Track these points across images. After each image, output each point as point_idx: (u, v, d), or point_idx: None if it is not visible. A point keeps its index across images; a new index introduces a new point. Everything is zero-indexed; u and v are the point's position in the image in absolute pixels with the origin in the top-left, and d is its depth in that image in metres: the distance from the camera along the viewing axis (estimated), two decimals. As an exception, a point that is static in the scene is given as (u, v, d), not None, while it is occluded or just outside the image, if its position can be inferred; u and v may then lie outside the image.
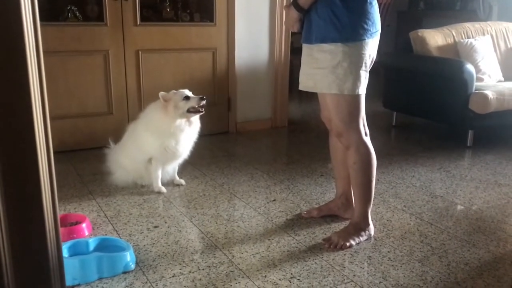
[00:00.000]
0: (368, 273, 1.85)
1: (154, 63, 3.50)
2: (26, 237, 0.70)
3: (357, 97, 1.92)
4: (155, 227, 2.22)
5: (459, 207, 2.51)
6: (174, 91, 2.58)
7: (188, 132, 2.61)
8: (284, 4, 3.84)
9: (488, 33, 4.19)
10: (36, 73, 0.66)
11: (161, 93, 2.55)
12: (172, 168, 2.76)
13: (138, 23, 3.37)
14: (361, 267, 1.89)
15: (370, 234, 2.11)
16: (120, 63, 3.39)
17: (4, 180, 0.65)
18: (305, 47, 1.99)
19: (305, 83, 2.01)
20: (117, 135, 2.77)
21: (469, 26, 4.19)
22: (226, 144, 3.68)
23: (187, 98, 2.53)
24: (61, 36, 3.15)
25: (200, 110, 2.55)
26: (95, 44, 3.28)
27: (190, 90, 2.61)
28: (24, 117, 0.65)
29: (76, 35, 3.21)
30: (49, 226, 0.73)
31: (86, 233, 2.12)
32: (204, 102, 2.54)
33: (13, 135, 0.65)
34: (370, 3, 1.85)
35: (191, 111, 2.54)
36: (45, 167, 0.71)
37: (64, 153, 3.18)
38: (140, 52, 3.43)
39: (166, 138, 2.56)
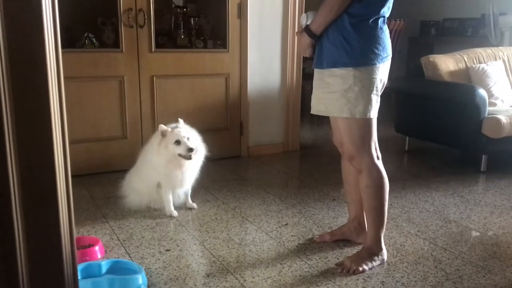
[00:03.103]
0: (381, 298, 1.83)
1: (168, 89, 3.56)
2: (43, 259, 0.71)
3: (368, 120, 1.94)
4: (167, 250, 2.23)
5: (474, 233, 2.48)
6: (172, 126, 2.54)
7: (184, 168, 2.58)
8: (296, 30, 3.90)
9: (500, 58, 4.20)
10: (57, 98, 0.69)
11: (161, 127, 2.52)
12: (184, 192, 2.78)
13: (153, 49, 3.45)
14: (374, 293, 1.87)
15: (383, 259, 2.09)
16: (135, 88, 3.45)
17: (22, 202, 0.67)
18: (317, 72, 2.02)
19: (317, 107, 2.03)
20: (131, 159, 2.81)
21: (480, 51, 4.20)
22: (238, 168, 3.70)
23: (178, 142, 2.50)
24: (78, 62, 3.23)
25: (187, 158, 2.50)
26: (110, 70, 3.35)
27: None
28: (44, 140, 0.67)
29: (92, 61, 3.29)
30: (66, 248, 0.75)
31: (99, 256, 2.13)
32: (191, 153, 2.48)
33: (33, 158, 0.67)
34: (381, 28, 1.88)
35: (180, 155, 2.51)
36: (63, 190, 0.73)
37: (78, 177, 3.22)
38: (154, 78, 3.50)
39: (163, 172, 2.58)
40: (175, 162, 2.54)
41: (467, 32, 6.30)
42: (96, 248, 2.14)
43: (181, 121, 2.61)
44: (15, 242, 0.67)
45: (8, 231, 0.66)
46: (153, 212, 2.70)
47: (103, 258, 2.14)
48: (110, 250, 2.22)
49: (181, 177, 2.60)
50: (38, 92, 0.66)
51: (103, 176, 3.32)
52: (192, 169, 2.62)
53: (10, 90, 0.63)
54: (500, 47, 4.49)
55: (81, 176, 3.24)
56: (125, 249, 2.23)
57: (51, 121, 0.67)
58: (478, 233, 2.47)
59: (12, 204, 0.66)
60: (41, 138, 0.67)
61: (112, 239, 2.35)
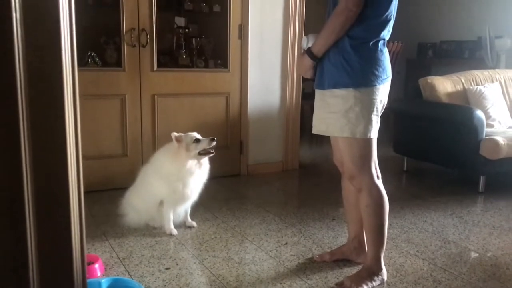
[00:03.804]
0: (381, 319, 1.82)
1: (169, 107, 3.60)
2: (54, 275, 0.73)
3: (369, 140, 1.96)
4: (167, 269, 2.22)
5: (473, 253, 2.48)
6: (182, 134, 2.63)
7: (198, 174, 2.64)
8: (296, 51, 3.96)
9: (496, 80, 4.26)
10: (72, 116, 0.71)
11: (174, 134, 2.59)
12: (184, 210, 2.78)
13: (155, 68, 3.49)
14: (374, 313, 1.86)
15: (383, 279, 2.09)
16: (136, 107, 3.48)
17: (36, 217, 0.68)
18: (318, 92, 2.05)
19: (318, 127, 2.06)
20: (131, 177, 2.82)
21: (477, 73, 4.26)
22: (237, 187, 3.71)
23: (197, 140, 2.58)
24: (80, 80, 3.21)
25: (211, 151, 2.60)
26: (112, 88, 3.39)
27: (203, 133, 2.67)
28: (58, 155, 0.69)
29: (94, 79, 3.33)
30: (76, 265, 0.76)
31: (99, 274, 2.13)
32: (214, 143, 2.59)
33: (47, 173, 0.69)
34: (381, 50, 1.92)
35: (202, 153, 2.59)
36: (76, 206, 0.75)
37: (78, 194, 3.22)
38: (156, 97, 3.53)
39: (175, 182, 2.59)
40: (196, 162, 2.59)
41: (464, 54, 6.39)
42: (96, 266, 2.14)
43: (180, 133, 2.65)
44: (27, 256, 0.68)
45: (21, 240, 0.67)
46: (152, 230, 2.70)
47: (103, 276, 2.13)
48: (110, 268, 2.22)
49: (192, 186, 2.62)
50: (54, 109, 0.68)
51: (103, 194, 3.32)
52: (198, 180, 2.65)
53: (28, 106, 0.65)
54: (496, 70, 4.56)
55: (81, 194, 3.23)
56: (125, 267, 2.23)
57: (66, 137, 0.70)
58: (477, 254, 2.47)
59: (26, 215, 0.67)
60: (56, 152, 0.69)
61: (112, 257, 2.35)
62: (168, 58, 3.77)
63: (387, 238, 2.16)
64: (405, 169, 4.29)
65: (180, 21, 3.88)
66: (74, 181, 0.72)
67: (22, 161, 0.65)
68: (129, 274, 2.16)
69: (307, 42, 2.02)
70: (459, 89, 4.05)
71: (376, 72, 1.90)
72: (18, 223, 0.67)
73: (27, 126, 0.65)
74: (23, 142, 0.65)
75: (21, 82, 0.65)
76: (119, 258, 2.33)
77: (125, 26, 3.34)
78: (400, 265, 2.30)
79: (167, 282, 2.08)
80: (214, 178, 2.77)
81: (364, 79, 1.89)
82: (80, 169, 0.74)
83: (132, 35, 3.36)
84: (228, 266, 2.26)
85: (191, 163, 2.58)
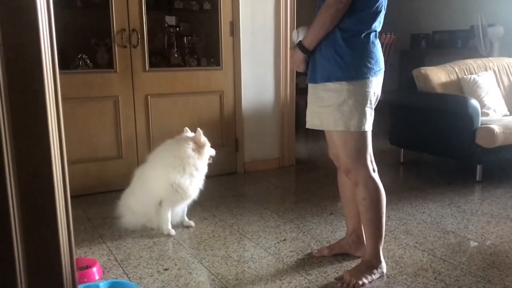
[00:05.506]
0: (382, 312, 1.82)
1: (162, 107, 3.58)
2: (43, 280, 0.71)
3: (363, 133, 1.95)
4: (165, 269, 2.21)
5: (472, 243, 2.48)
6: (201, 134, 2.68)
7: (199, 169, 2.65)
8: (288, 46, 3.94)
9: (490, 69, 4.25)
10: (55, 119, 0.69)
11: (200, 133, 2.64)
12: (181, 210, 2.77)
13: (147, 69, 3.47)
14: (375, 306, 1.86)
15: (382, 272, 2.09)
16: (129, 108, 3.46)
17: (22, 224, 0.67)
18: (311, 87, 2.04)
19: (312, 121, 2.05)
20: (127, 179, 2.80)
21: (471, 62, 4.25)
22: (234, 185, 3.69)
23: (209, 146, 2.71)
24: (72, 83, 3.23)
25: (210, 160, 2.75)
26: (105, 90, 3.36)
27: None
28: (42, 160, 0.67)
29: (86, 82, 3.30)
30: (65, 269, 0.74)
31: (97, 277, 2.12)
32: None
33: (32, 178, 0.67)
34: (373, 42, 1.90)
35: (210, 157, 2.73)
36: (63, 212, 0.73)
37: (74, 197, 3.19)
38: (149, 97, 3.51)
39: (180, 171, 2.57)
40: (198, 156, 2.66)
41: (457, 44, 6.38)
42: (94, 269, 2.13)
43: (186, 128, 2.73)
44: (15, 264, 0.67)
45: (8, 252, 0.65)
46: (150, 232, 2.68)
47: (101, 279, 2.12)
48: (108, 271, 2.21)
49: (194, 182, 2.64)
50: (36, 116, 0.66)
51: (99, 196, 3.30)
52: (200, 178, 2.67)
53: (9, 113, 0.64)
54: (490, 58, 4.55)
55: (77, 197, 3.22)
56: (123, 270, 2.22)
57: (50, 143, 0.68)
58: (476, 243, 2.47)
59: (12, 226, 0.66)
60: (40, 159, 0.67)
61: (110, 259, 2.33)
62: (160, 58, 3.75)
63: (386, 231, 2.16)
64: (401, 160, 4.29)
65: (170, 20, 3.86)
66: (60, 186, 0.71)
67: (5, 169, 0.63)
68: (127, 276, 2.14)
69: (297, 35, 2.00)
70: (453, 78, 4.04)
71: (369, 65, 1.89)
72: (4, 232, 0.65)
73: (9, 133, 0.63)
74: (5, 149, 0.63)
75: (0, 88, 0.63)
76: (117, 261, 2.31)
77: (115, 27, 3.31)
78: (399, 257, 2.29)
79: (166, 283, 2.07)
80: (211, 176, 2.76)
81: (356, 71, 1.88)
82: (65, 175, 0.72)
83: (123, 36, 3.34)
84: (227, 264, 2.25)
85: (195, 156, 2.61)
